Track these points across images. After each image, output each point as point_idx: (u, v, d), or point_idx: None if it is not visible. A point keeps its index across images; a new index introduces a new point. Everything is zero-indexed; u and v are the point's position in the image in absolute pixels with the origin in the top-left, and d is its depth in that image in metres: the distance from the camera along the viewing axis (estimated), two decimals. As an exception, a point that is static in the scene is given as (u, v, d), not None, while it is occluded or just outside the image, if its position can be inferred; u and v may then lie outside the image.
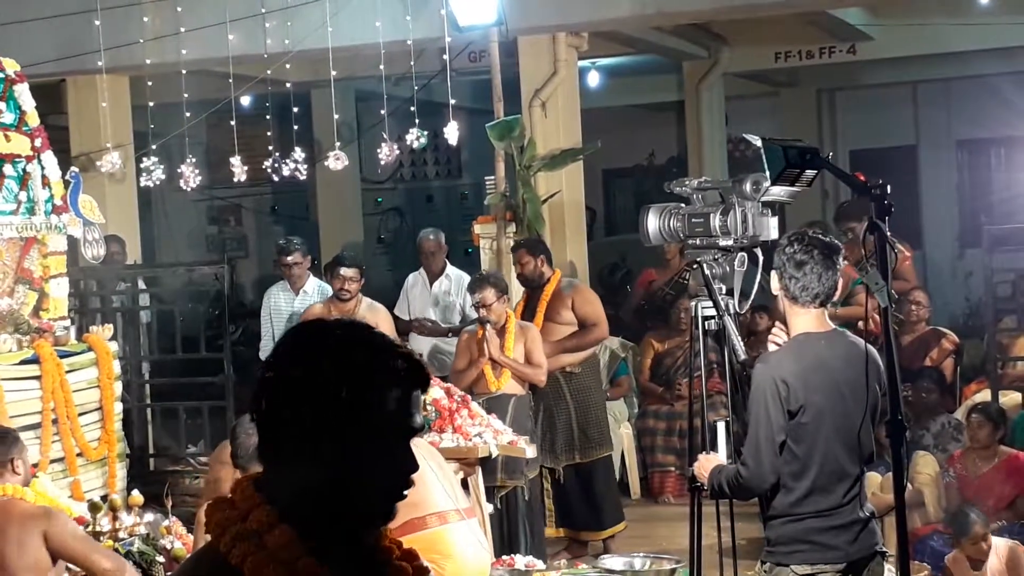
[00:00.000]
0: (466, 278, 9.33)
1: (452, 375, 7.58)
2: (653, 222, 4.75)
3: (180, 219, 15.81)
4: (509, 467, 7.21)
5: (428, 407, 6.59)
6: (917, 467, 7.44)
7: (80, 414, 7.26)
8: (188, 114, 9.58)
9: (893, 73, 15.67)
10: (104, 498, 6.25)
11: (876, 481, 6.99)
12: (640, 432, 9.82)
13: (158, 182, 9.60)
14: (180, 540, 5.75)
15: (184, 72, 9.38)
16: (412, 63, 9.34)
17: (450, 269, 9.46)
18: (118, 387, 7.59)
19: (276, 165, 9.66)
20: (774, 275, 4.32)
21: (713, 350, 4.95)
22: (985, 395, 8.36)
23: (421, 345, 8.95)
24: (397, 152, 9.48)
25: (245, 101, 11.82)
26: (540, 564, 5.93)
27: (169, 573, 5.58)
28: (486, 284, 7.46)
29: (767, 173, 4.08)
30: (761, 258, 4.63)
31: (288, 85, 9.85)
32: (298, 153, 9.63)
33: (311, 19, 9.23)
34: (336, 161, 9.43)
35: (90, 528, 5.68)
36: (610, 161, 16.26)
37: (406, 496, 2.01)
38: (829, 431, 4.25)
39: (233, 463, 5.19)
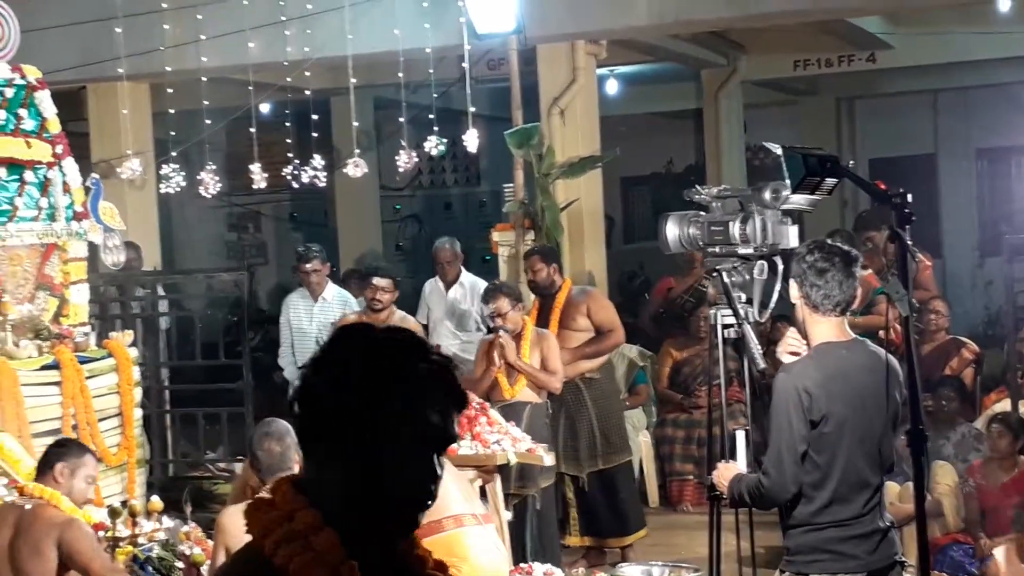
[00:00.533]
0: (480, 285, 9.34)
1: (468, 383, 7.58)
2: (672, 230, 4.74)
3: (199, 226, 15.87)
4: (523, 475, 7.21)
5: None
6: (937, 477, 7.41)
7: (100, 420, 7.27)
8: (208, 121, 9.61)
9: (912, 82, 15.64)
10: (123, 503, 6.27)
11: (895, 491, 6.97)
12: (658, 440, 9.81)
13: (178, 189, 9.63)
14: (199, 546, 5.75)
15: (204, 79, 9.41)
16: (431, 71, 9.36)
17: (464, 277, 9.47)
18: (138, 393, 7.61)
19: (295, 172, 9.69)
20: (793, 284, 4.31)
21: (732, 358, 4.94)
22: (1005, 405, 8.32)
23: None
24: (416, 159, 9.50)
25: (264, 108, 11.85)
26: (559, 572, 5.93)
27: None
28: (500, 293, 7.46)
29: (787, 181, 4.07)
30: (781, 267, 4.63)
31: (307, 92, 9.88)
32: (317, 160, 9.66)
33: (331, 27, 9.25)
34: (355, 168, 9.46)
35: (109, 533, 5.69)
36: (628, 169, 16.26)
37: (431, 504, 2.01)
38: (850, 441, 4.24)
39: (254, 471, 5.19)
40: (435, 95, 9.61)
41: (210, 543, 5.72)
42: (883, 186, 3.87)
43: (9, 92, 7.45)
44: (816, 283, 4.25)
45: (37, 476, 4.98)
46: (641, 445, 9.64)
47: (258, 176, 9.49)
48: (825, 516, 4.24)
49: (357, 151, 9.52)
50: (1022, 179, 16.57)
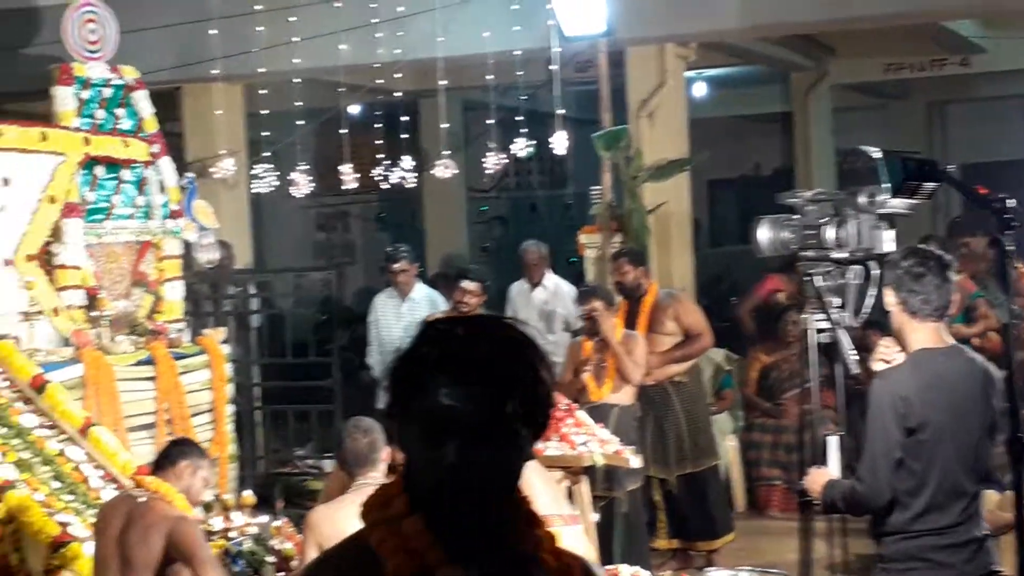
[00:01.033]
0: (565, 287, 9.37)
1: (558, 385, 7.61)
2: (765, 233, 4.72)
3: (288, 225, 16.04)
4: (610, 477, 7.22)
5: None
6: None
7: (192, 415, 7.39)
8: (299, 122, 9.73)
9: (1007, 86, 15.40)
10: (216, 498, 6.36)
11: (994, 499, 6.85)
12: (745, 445, 9.75)
13: (270, 189, 9.76)
14: (290, 541, 5.82)
15: (296, 81, 9.52)
16: (519, 73, 9.40)
17: (549, 279, 9.49)
18: (230, 389, 7.72)
19: (385, 173, 9.78)
20: (889, 290, 4.27)
21: (823, 364, 4.90)
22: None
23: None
24: (505, 161, 9.54)
25: (354, 110, 11.97)
26: (645, 574, 5.92)
27: (280, 573, 5.66)
28: (594, 296, 7.50)
29: (883, 185, 4.04)
30: (875, 272, 4.58)
31: (397, 94, 9.95)
32: (406, 161, 9.73)
33: (421, 29, 9.32)
34: (444, 170, 9.53)
35: (202, 527, 5.78)
36: (715, 172, 16.19)
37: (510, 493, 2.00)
38: (947, 448, 4.19)
39: (341, 467, 5.25)
40: (523, 97, 9.64)
41: (300, 538, 5.78)
42: (983, 191, 3.82)
43: (107, 92, 7.60)
44: (913, 288, 4.21)
45: (155, 471, 5.05)
46: (728, 450, 9.59)
47: (348, 177, 9.59)
48: (921, 524, 4.20)
49: (446, 153, 9.58)
50: (1120, 185, 16.21)
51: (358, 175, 9.76)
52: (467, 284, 8.34)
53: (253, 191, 10.21)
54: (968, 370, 4.24)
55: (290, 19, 9.46)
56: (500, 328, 2.03)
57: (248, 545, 5.79)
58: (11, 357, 6.28)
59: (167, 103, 10.37)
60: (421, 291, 9.43)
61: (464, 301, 8.30)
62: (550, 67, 9.50)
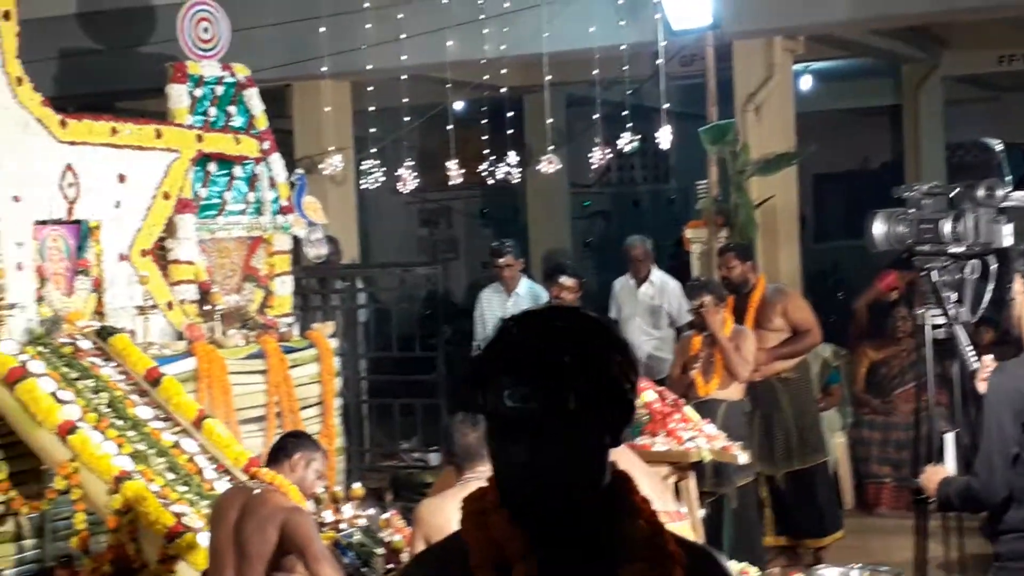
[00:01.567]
0: (671, 283, 9.31)
1: (668, 381, 7.59)
2: (880, 227, 4.66)
3: (392, 221, 16.18)
4: (718, 473, 7.17)
5: (640, 410, 6.60)
6: None
7: (301, 408, 7.50)
8: (406, 119, 9.80)
9: (1125, 75, 14.97)
10: (324, 490, 6.43)
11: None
12: (854, 442, 9.62)
13: (377, 185, 9.85)
14: (399, 533, 5.87)
15: (403, 77, 9.60)
16: (625, 67, 9.37)
17: (655, 274, 9.44)
18: (338, 383, 7.81)
19: (490, 169, 9.82)
20: (1019, 279, 4.18)
21: (937, 360, 4.82)
22: None
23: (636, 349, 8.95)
24: (610, 156, 9.53)
25: (459, 106, 12.02)
26: (755, 571, 5.88)
27: (389, 565, 5.71)
28: (705, 291, 7.46)
29: (1006, 178, 3.96)
30: (993, 267, 4.50)
31: (503, 90, 9.98)
32: (511, 157, 9.76)
33: (527, 25, 9.34)
34: (548, 165, 9.54)
35: (313, 519, 5.85)
36: (821, 166, 15.98)
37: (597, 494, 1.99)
38: (1067, 445, 4.10)
39: (449, 461, 5.27)
40: (628, 92, 9.61)
41: (410, 530, 5.83)
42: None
43: (219, 90, 7.74)
44: (1041, 276, 4.12)
45: (270, 463, 5.09)
46: (836, 446, 9.47)
47: (454, 172, 9.65)
48: (1038, 522, 4.11)
49: (551, 148, 9.59)
50: None
51: (463, 171, 9.81)
52: (564, 280, 8.34)
53: (360, 187, 10.30)
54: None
55: (398, 16, 9.53)
56: (563, 321, 2.02)
57: (357, 537, 5.85)
58: (127, 350, 6.41)
59: (277, 100, 10.53)
60: (525, 286, 9.45)
61: (561, 297, 8.31)
62: (656, 61, 9.46)
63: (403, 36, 9.43)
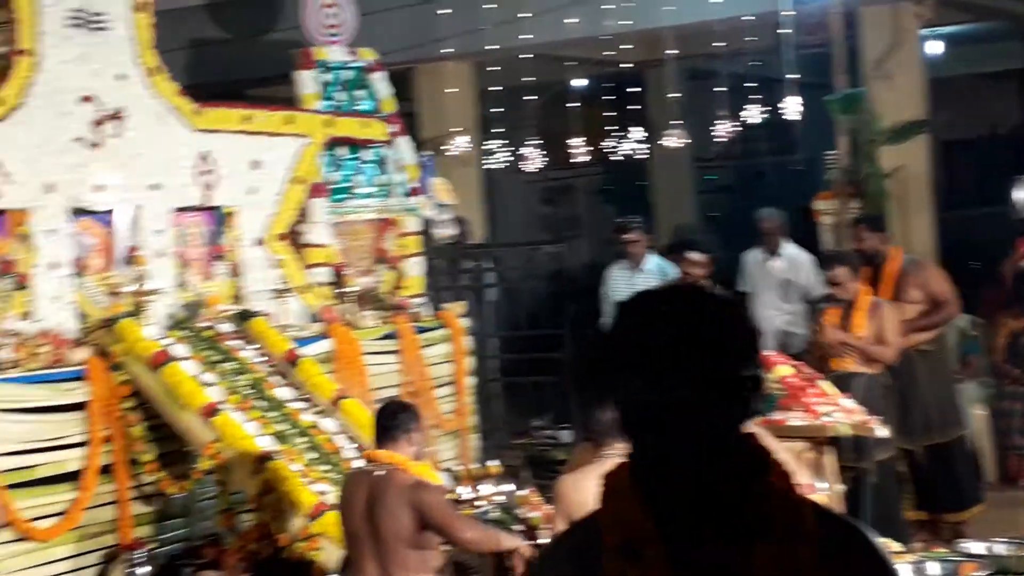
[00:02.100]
0: (803, 256, 9.19)
1: (806, 354, 7.50)
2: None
3: (515, 199, 16.20)
4: (857, 447, 7.05)
5: (775, 385, 6.53)
6: None
7: (435, 387, 7.58)
8: (529, 97, 9.82)
9: None
10: (463, 468, 6.48)
11: None
12: (996, 414, 9.39)
13: (501, 165, 9.89)
14: (536, 510, 5.89)
15: (524, 57, 9.61)
16: (748, 39, 9.27)
17: (786, 248, 9.32)
18: (469, 362, 7.87)
19: (613, 145, 9.80)
20: None
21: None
22: None
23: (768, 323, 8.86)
24: (737, 129, 9.44)
25: (580, 83, 12.00)
26: (897, 546, 5.78)
27: (527, 542, 5.73)
28: (839, 262, 7.34)
29: None
30: None
31: (626, 66, 9.94)
32: (635, 133, 9.73)
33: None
34: (673, 140, 9.48)
35: (450, 496, 5.90)
36: (951, 132, 15.60)
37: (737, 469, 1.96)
38: None
39: (587, 437, 5.28)
40: (752, 63, 9.51)
41: (546, 508, 5.86)
42: None
43: (347, 75, 7.83)
44: None
45: (385, 441, 5.04)
46: (976, 419, 9.27)
47: (577, 150, 9.64)
48: None
49: (675, 123, 9.53)
50: None
51: (587, 148, 9.80)
52: (692, 255, 8.28)
53: (484, 167, 10.35)
54: None
55: (520, -6, 9.55)
56: (683, 304, 1.97)
57: (495, 514, 5.88)
58: (265, 333, 6.53)
59: (401, 83, 10.62)
60: (652, 262, 9.40)
61: (690, 272, 8.24)
62: (778, 31, 9.34)
63: (524, 15, 9.43)
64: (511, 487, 6.04)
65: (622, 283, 9.41)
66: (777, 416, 6.55)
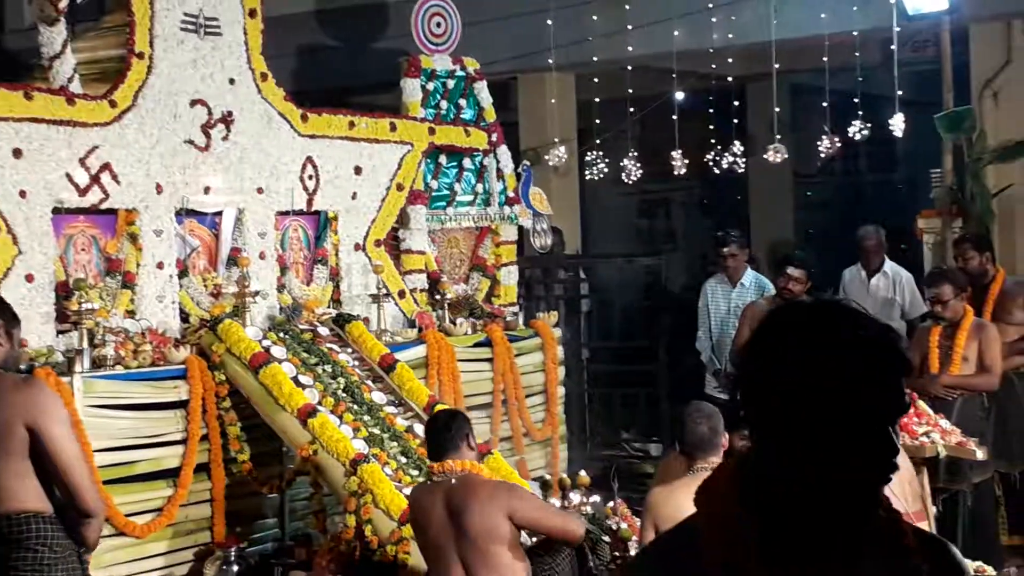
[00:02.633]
0: (904, 274, 9.06)
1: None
2: None
3: (611, 211, 16.18)
4: (952, 469, 6.94)
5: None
6: None
7: (526, 396, 7.60)
8: (631, 109, 9.81)
9: None
10: (553, 477, 6.49)
11: None
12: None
13: (601, 176, 9.89)
14: (626, 521, 5.89)
15: (626, 68, 9.61)
16: (856, 54, 9.18)
17: (888, 265, 9.20)
18: (561, 371, 7.88)
19: (714, 159, 9.75)
20: None
21: None
22: None
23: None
24: (839, 145, 9.35)
25: (680, 96, 11.97)
26: (991, 570, 5.69)
27: (616, 552, 5.72)
28: (944, 280, 7.23)
29: None
30: None
31: (729, 79, 9.90)
32: (736, 147, 9.67)
33: (755, 13, 9.23)
34: (775, 155, 9.41)
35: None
36: (1060, 153, 15.28)
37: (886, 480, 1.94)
38: None
39: (681, 450, 5.25)
40: (860, 79, 9.41)
41: (635, 520, 5.85)
42: None
43: (450, 83, 7.90)
44: None
45: (446, 452, 4.85)
46: (1078, 444, 9.06)
47: (678, 163, 9.61)
48: None
49: (778, 137, 9.46)
50: None
51: (686, 161, 9.76)
52: (792, 270, 8.18)
53: (585, 178, 10.37)
54: None
55: (626, 7, 9.54)
56: (843, 331, 1.92)
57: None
58: (363, 337, 6.60)
59: (502, 93, 10.68)
60: (750, 276, 9.33)
61: (789, 288, 8.15)
62: (888, 48, 9.23)
63: (630, 27, 9.44)
64: (599, 497, 6.04)
65: (719, 297, 9.35)
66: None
